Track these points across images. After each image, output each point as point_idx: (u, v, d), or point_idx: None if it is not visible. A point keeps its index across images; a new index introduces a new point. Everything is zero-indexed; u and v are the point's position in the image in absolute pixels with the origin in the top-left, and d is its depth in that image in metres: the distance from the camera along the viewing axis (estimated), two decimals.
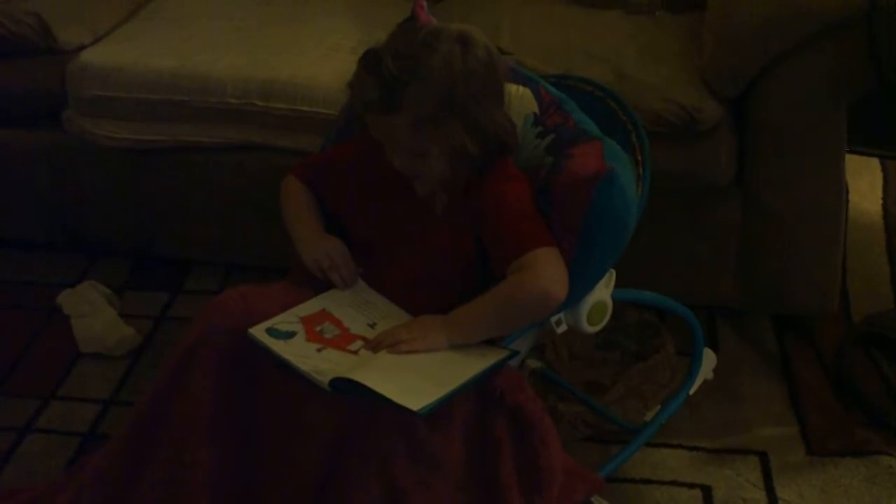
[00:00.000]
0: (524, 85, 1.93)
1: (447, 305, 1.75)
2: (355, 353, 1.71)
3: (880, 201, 3.00)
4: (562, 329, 1.82)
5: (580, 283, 1.76)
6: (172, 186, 2.63)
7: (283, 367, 1.66)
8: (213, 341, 1.71)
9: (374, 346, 1.70)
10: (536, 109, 1.91)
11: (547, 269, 1.71)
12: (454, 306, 1.75)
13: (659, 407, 2.20)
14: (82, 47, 2.64)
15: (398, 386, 1.58)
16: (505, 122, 1.79)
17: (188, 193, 2.63)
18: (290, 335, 1.70)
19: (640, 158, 1.91)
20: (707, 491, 2.10)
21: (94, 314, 2.51)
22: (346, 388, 1.59)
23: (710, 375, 2.19)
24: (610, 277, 1.83)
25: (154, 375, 1.82)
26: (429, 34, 1.71)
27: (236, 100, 2.49)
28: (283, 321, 1.73)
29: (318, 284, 1.83)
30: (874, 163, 3.13)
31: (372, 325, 1.77)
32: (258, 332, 1.70)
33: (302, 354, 1.67)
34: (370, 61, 1.70)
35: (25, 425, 2.26)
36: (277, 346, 1.68)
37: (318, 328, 1.74)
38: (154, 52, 2.58)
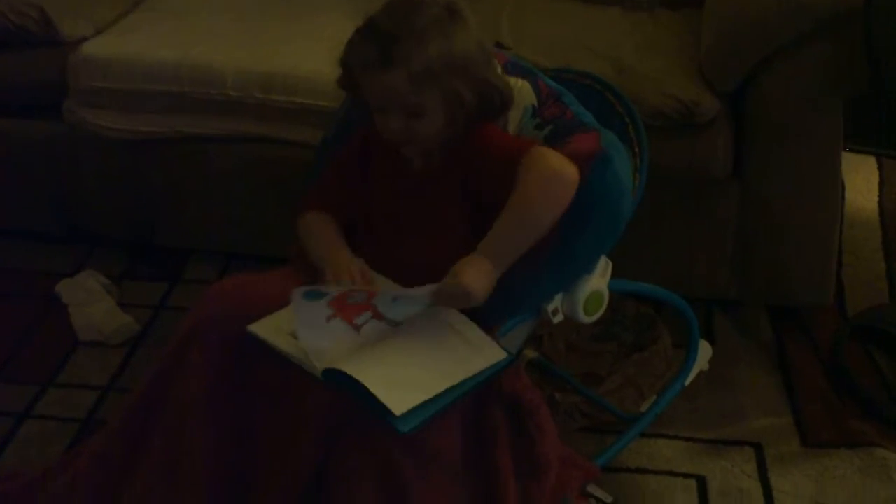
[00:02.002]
0: (523, 77, 1.94)
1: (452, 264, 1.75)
2: (359, 327, 1.70)
3: (876, 198, 3.01)
4: (558, 319, 1.82)
5: (574, 266, 1.76)
6: (172, 177, 2.64)
7: (281, 359, 1.67)
8: (212, 328, 1.72)
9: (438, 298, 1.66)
10: (535, 101, 1.92)
11: (547, 158, 1.70)
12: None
13: (655, 397, 2.21)
14: (84, 39, 2.65)
15: (388, 381, 1.58)
16: (500, 78, 1.82)
17: (188, 184, 2.64)
18: (321, 296, 1.71)
19: (637, 150, 1.92)
20: (702, 481, 2.11)
21: (93, 303, 2.52)
22: (337, 379, 1.59)
23: (705, 366, 2.21)
24: (606, 267, 1.83)
25: (152, 362, 1.82)
26: (420, 1, 1.75)
27: (236, 92, 2.50)
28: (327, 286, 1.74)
29: (318, 275, 1.83)
30: (871, 160, 3.14)
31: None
32: (259, 328, 1.70)
33: (310, 322, 1.67)
34: (364, 27, 1.74)
35: (24, 411, 2.27)
36: (275, 338, 1.68)
37: (350, 299, 1.73)
38: (155, 45, 2.59)
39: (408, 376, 1.61)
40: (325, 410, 1.65)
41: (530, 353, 2.25)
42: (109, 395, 2.32)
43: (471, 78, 1.74)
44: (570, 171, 1.69)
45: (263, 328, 1.71)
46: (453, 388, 1.62)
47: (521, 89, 1.91)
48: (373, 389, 1.56)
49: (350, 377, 1.57)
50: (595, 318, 1.84)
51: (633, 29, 2.64)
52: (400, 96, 1.72)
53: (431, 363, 1.64)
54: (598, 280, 1.82)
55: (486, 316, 1.72)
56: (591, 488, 2.02)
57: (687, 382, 2.17)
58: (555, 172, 1.69)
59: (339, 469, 1.66)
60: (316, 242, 1.86)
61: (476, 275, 1.64)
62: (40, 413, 2.27)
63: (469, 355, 1.66)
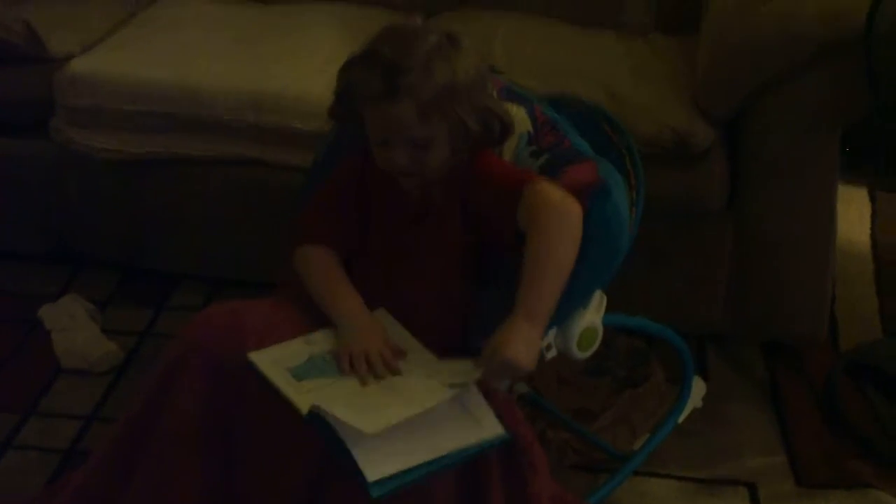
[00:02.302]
0: (518, 104, 1.92)
1: (450, 296, 1.76)
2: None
3: (868, 231, 2.99)
4: (551, 354, 1.79)
5: (569, 300, 1.73)
6: (162, 199, 2.61)
7: (272, 392, 1.64)
8: (200, 355, 1.69)
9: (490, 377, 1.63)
10: (531, 128, 1.90)
11: (550, 197, 1.68)
12: (456, 295, 1.74)
13: (648, 435, 2.18)
14: (71, 56, 2.61)
15: (370, 443, 1.53)
16: (500, 105, 1.80)
17: (178, 206, 2.61)
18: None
19: (633, 182, 1.89)
20: None
21: (76, 329, 2.49)
22: (320, 426, 1.56)
23: (699, 404, 2.18)
24: (601, 302, 1.80)
25: (138, 388, 1.79)
26: (417, 28, 1.75)
27: (228, 113, 2.47)
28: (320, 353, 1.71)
29: (307, 303, 1.80)
30: (862, 192, 3.13)
31: None
32: (258, 358, 1.67)
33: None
34: (365, 57, 1.70)
35: (4, 441, 2.23)
36: (271, 371, 1.65)
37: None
38: (145, 63, 2.56)
39: (392, 440, 1.55)
40: (315, 446, 1.61)
41: (521, 388, 2.21)
42: (93, 425, 2.28)
43: (475, 106, 1.72)
44: (574, 206, 1.68)
45: (261, 359, 1.68)
46: (438, 459, 1.57)
47: (516, 116, 1.88)
48: (352, 450, 1.52)
49: (332, 429, 1.54)
50: (589, 353, 1.81)
51: (627, 54, 2.62)
52: (407, 128, 1.69)
53: (422, 430, 1.57)
54: (593, 314, 1.79)
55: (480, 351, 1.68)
56: None
57: (680, 420, 2.14)
58: (561, 212, 1.67)
59: (326, 499, 1.63)
60: (324, 289, 1.79)
61: (520, 344, 1.61)
62: (21, 443, 2.23)
63: (464, 428, 1.61)
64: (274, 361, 1.68)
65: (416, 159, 1.73)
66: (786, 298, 2.40)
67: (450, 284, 1.80)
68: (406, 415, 1.56)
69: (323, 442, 1.59)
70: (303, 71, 2.53)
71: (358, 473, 1.52)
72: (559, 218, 1.67)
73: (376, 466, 1.52)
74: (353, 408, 1.57)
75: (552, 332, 1.76)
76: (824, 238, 2.35)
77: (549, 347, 1.78)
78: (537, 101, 1.96)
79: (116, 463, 1.77)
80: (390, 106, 1.68)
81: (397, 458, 1.54)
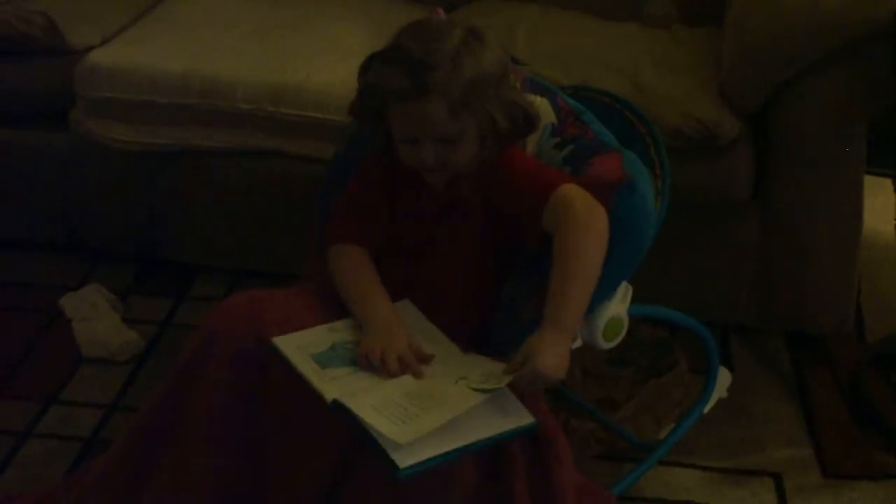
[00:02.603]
0: (541, 95, 1.91)
1: (472, 292, 1.74)
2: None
3: (894, 222, 2.96)
4: (576, 344, 1.78)
5: (595, 294, 1.71)
6: (180, 190, 2.60)
7: (296, 377, 1.63)
8: (222, 344, 1.68)
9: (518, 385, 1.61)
10: (554, 120, 1.89)
11: (575, 204, 1.67)
12: (478, 290, 1.72)
13: (672, 425, 2.17)
14: (91, 48, 2.61)
15: (397, 428, 1.52)
16: (524, 98, 1.78)
17: (196, 198, 2.60)
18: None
19: (659, 172, 1.88)
20: None
21: (98, 318, 2.48)
22: (344, 414, 1.55)
23: (724, 394, 2.17)
24: (626, 292, 1.80)
25: (160, 380, 1.78)
26: (441, 24, 1.74)
27: (246, 104, 2.46)
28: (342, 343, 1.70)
29: (328, 294, 1.79)
30: (887, 183, 3.09)
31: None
32: (282, 343, 1.66)
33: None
34: (391, 54, 1.68)
35: (25, 430, 2.23)
36: (295, 356, 1.64)
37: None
38: (164, 55, 2.55)
39: (420, 428, 1.54)
40: (340, 431, 1.60)
41: None
42: (114, 414, 2.27)
43: (501, 100, 1.70)
44: (601, 214, 1.67)
45: (286, 343, 1.67)
46: (466, 445, 1.56)
47: (540, 107, 1.87)
48: (380, 439, 1.51)
49: (359, 418, 1.53)
50: (614, 343, 1.81)
51: (651, 46, 2.60)
52: (436, 126, 1.68)
53: (449, 418, 1.55)
54: (619, 305, 1.78)
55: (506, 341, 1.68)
56: None
57: (706, 410, 2.12)
58: (588, 222, 1.66)
59: (354, 492, 1.62)
60: (354, 289, 1.76)
61: (550, 355, 1.60)
62: (42, 432, 2.23)
63: (493, 417, 1.60)
64: (298, 347, 1.67)
65: (443, 156, 1.71)
66: (811, 290, 2.38)
67: (474, 277, 1.79)
68: (439, 423, 1.54)
69: (346, 427, 1.58)
70: (323, 63, 2.52)
71: (385, 457, 1.50)
72: (585, 227, 1.65)
73: (406, 453, 1.50)
74: (384, 413, 1.55)
75: None
76: (851, 229, 2.33)
77: (574, 337, 1.77)
78: (560, 92, 1.94)
79: (138, 452, 1.76)
80: (419, 104, 1.66)
81: (427, 447, 1.52)
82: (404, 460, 1.50)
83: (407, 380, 1.65)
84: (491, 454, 1.67)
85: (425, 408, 1.57)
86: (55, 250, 2.76)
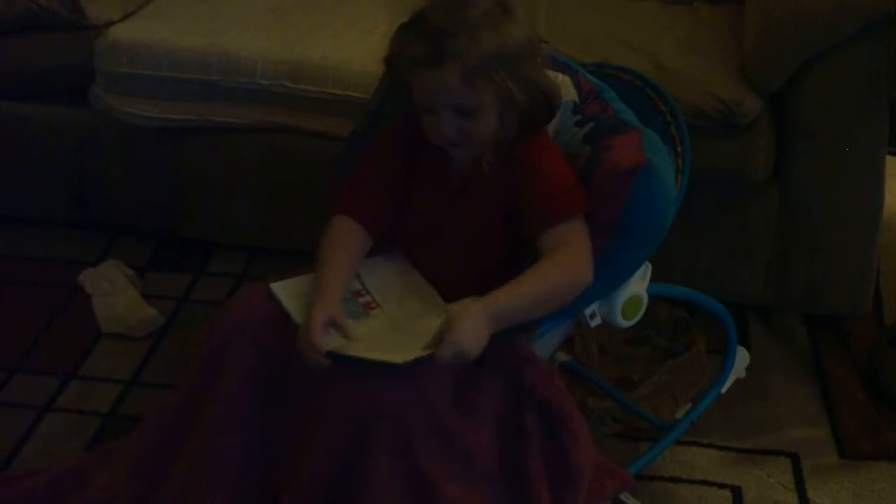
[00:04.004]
0: (563, 72, 1.89)
1: (485, 275, 1.73)
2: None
3: None
4: (595, 323, 1.78)
5: (614, 276, 1.73)
6: (198, 167, 2.60)
7: (290, 323, 1.66)
8: (243, 340, 1.69)
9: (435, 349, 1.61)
10: (576, 97, 1.87)
11: (577, 255, 1.68)
12: (490, 275, 1.72)
13: (689, 404, 2.17)
14: (111, 23, 2.61)
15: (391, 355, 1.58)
16: (549, 79, 1.76)
17: (214, 174, 2.60)
18: None
19: (679, 150, 1.87)
20: (737, 491, 2.07)
21: (116, 294, 2.49)
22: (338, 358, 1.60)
23: (742, 374, 2.16)
24: (646, 271, 1.79)
25: (178, 360, 1.80)
26: None
27: (266, 81, 2.46)
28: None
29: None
30: None
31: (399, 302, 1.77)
32: (279, 290, 1.70)
33: None
34: (412, 22, 1.67)
35: (45, 404, 2.24)
36: (290, 304, 1.68)
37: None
38: (184, 30, 2.55)
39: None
40: (353, 406, 1.61)
41: (562, 357, 2.20)
42: (133, 389, 2.29)
43: (521, 76, 1.68)
44: (588, 278, 1.68)
45: (283, 289, 1.71)
46: None
47: (562, 84, 1.86)
48: (374, 356, 1.57)
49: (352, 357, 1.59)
50: (633, 322, 1.80)
51: (672, 24, 2.58)
52: (452, 94, 1.66)
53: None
54: (638, 284, 1.78)
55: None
56: (624, 497, 1.98)
57: (724, 390, 2.12)
58: (577, 280, 1.67)
59: (368, 468, 1.61)
60: (322, 255, 1.75)
61: (470, 330, 1.58)
62: (62, 406, 2.24)
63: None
64: (295, 294, 1.70)
65: (463, 129, 1.70)
66: (830, 271, 2.37)
67: (489, 253, 1.78)
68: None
69: (365, 404, 1.60)
70: (342, 40, 2.52)
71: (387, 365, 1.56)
72: (571, 283, 1.67)
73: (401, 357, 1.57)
74: (377, 347, 1.61)
75: (597, 301, 1.75)
76: (870, 210, 2.32)
77: (593, 315, 1.77)
78: (581, 69, 1.93)
79: (166, 443, 1.77)
80: (434, 70, 1.65)
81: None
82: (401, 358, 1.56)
83: (392, 317, 1.71)
84: (507, 434, 1.68)
85: (411, 338, 1.63)
86: (74, 226, 2.77)
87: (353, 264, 1.77)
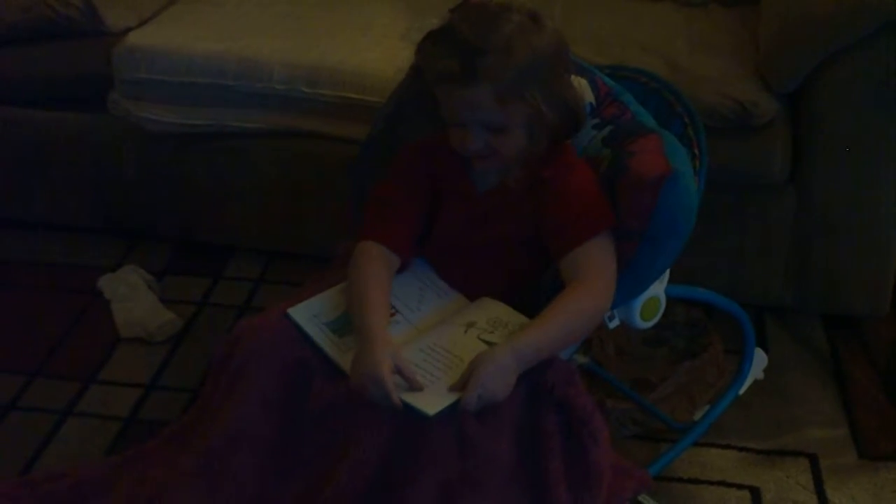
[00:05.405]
0: (580, 75, 1.89)
1: (514, 287, 1.74)
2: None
3: None
4: (614, 324, 1.79)
5: (638, 283, 1.73)
6: (216, 172, 2.61)
7: (314, 350, 1.66)
8: (260, 362, 1.68)
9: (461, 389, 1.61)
10: (593, 100, 1.87)
11: (596, 282, 1.67)
12: (518, 285, 1.72)
13: (707, 406, 2.17)
14: (128, 29, 2.63)
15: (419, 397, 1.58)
16: (576, 92, 1.76)
17: (231, 179, 2.61)
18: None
19: (696, 152, 1.87)
20: (756, 492, 2.07)
21: (135, 299, 2.50)
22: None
23: (760, 375, 2.17)
24: (664, 273, 1.79)
25: (197, 363, 1.79)
26: (499, 7, 1.67)
27: (283, 86, 2.47)
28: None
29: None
30: None
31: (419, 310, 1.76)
32: (297, 313, 1.69)
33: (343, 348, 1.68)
34: (442, 34, 1.65)
35: (65, 408, 2.25)
36: (311, 327, 1.68)
37: None
38: (201, 36, 2.56)
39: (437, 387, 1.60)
40: (377, 431, 1.61)
41: (581, 358, 2.21)
42: (152, 393, 2.29)
43: (552, 92, 1.67)
44: (607, 303, 1.69)
45: (301, 313, 1.70)
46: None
47: (580, 87, 1.86)
48: (408, 400, 1.57)
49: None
50: (652, 323, 1.81)
51: (686, 25, 2.59)
52: (483, 112, 1.65)
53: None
54: (656, 285, 1.78)
55: None
56: (643, 498, 1.98)
57: (742, 391, 2.12)
58: (599, 310, 1.69)
59: (391, 478, 1.61)
60: (356, 294, 1.71)
61: (497, 375, 1.59)
62: (81, 411, 2.25)
63: None
64: (313, 316, 1.70)
65: (490, 143, 1.69)
66: (848, 271, 2.37)
67: (516, 273, 1.78)
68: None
69: (389, 429, 1.61)
70: (358, 44, 2.53)
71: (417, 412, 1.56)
72: (593, 315, 1.68)
73: (431, 404, 1.57)
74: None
75: None
76: (888, 211, 2.31)
77: (611, 317, 1.77)
78: (598, 71, 1.93)
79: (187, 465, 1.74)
80: (467, 89, 1.63)
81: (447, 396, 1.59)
82: (432, 408, 1.57)
83: (413, 322, 1.70)
84: (527, 434, 1.67)
85: (442, 367, 1.62)
86: (93, 231, 2.78)
87: (389, 294, 1.75)
